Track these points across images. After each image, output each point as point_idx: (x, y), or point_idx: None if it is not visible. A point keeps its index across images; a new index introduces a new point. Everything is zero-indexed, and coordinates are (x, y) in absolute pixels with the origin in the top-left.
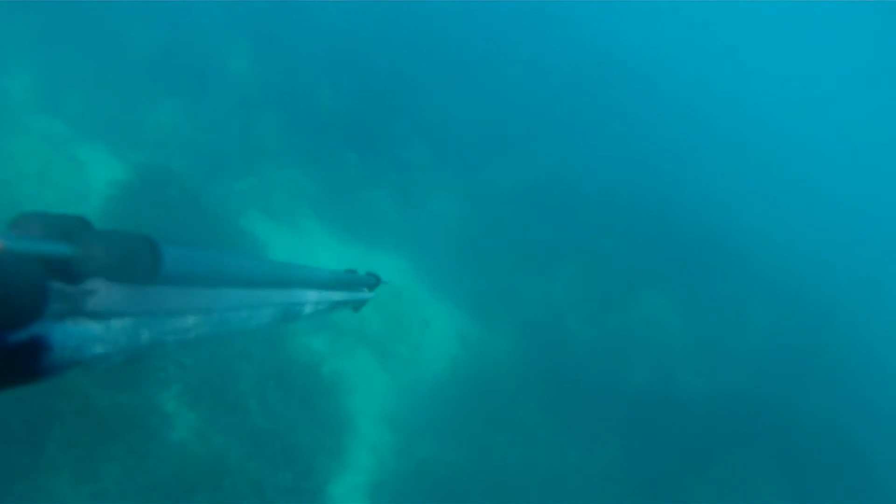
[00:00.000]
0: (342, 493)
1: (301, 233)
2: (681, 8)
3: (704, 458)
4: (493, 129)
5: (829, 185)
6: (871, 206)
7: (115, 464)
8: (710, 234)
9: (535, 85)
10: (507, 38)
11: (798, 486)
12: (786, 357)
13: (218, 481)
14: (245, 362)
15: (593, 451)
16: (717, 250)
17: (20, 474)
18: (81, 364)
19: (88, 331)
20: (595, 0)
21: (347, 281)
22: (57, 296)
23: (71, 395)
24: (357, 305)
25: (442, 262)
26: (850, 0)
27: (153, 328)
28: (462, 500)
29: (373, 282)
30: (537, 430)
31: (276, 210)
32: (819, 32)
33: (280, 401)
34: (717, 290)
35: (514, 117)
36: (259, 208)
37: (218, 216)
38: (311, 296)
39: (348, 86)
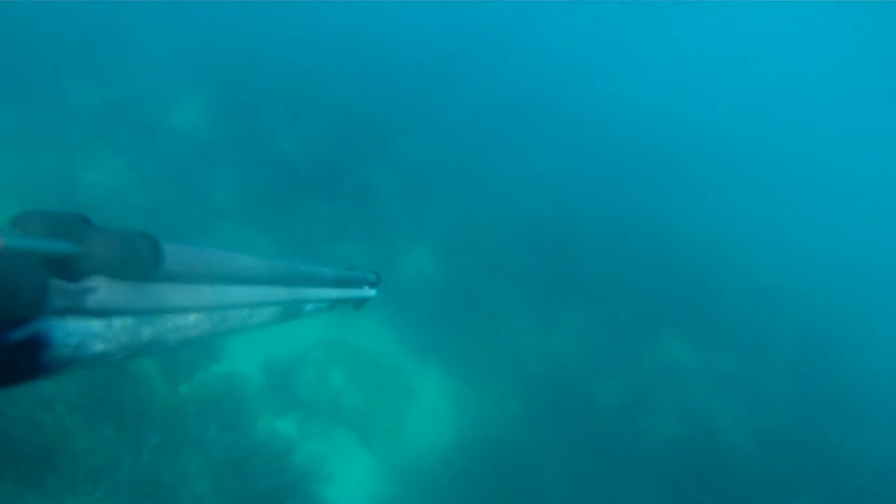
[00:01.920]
0: None
1: None
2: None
3: None
4: (475, 165)
5: (841, 208)
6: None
7: None
8: (721, 272)
9: (521, 119)
10: (479, 76)
11: None
12: (822, 391)
13: None
14: (196, 453)
15: None
16: (730, 287)
17: None
18: (82, 362)
19: (89, 328)
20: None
21: (349, 279)
22: (57, 293)
23: None
24: (358, 303)
25: (424, 321)
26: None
27: (154, 326)
28: None
29: (374, 279)
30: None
31: None
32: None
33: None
34: (736, 329)
35: (499, 153)
36: None
37: None
38: (313, 293)
39: (311, 134)
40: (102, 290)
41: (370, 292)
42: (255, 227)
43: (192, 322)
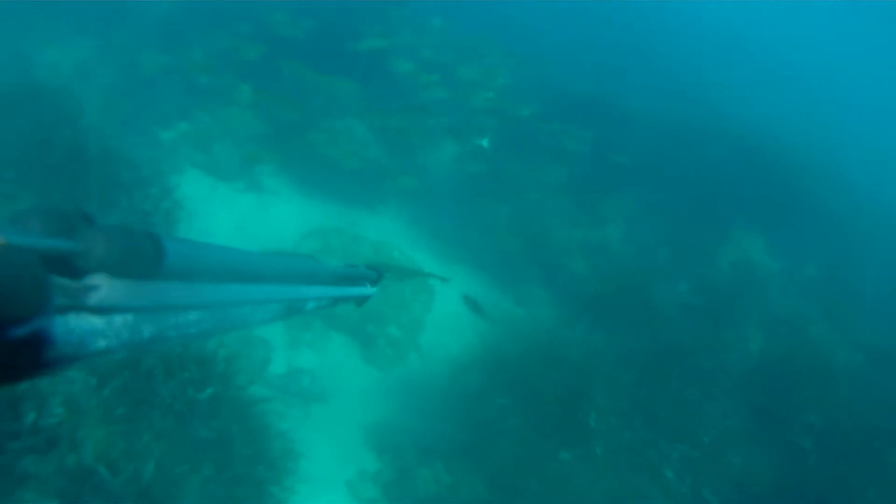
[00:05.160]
0: None
1: (262, 191)
2: None
3: None
4: (512, 29)
5: None
6: None
7: None
8: (804, 162)
9: None
10: None
11: None
12: None
13: None
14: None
15: (713, 461)
16: (814, 181)
17: None
18: (83, 359)
19: (90, 326)
20: None
21: (350, 276)
22: (59, 291)
23: None
24: (360, 301)
25: (448, 216)
26: None
27: (155, 323)
28: None
29: (375, 276)
30: (614, 440)
31: (223, 164)
32: None
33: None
34: (822, 229)
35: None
36: (198, 164)
37: (140, 180)
38: (314, 291)
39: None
40: (104, 287)
41: (371, 290)
42: (242, 104)
43: (193, 319)
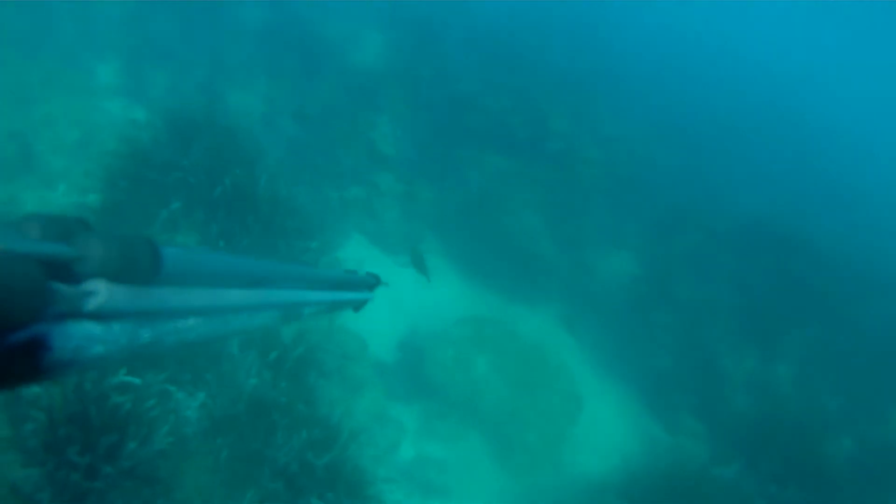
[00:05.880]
0: None
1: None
2: None
3: None
4: (688, 148)
5: None
6: None
7: None
8: None
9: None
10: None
11: None
12: None
13: None
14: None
15: None
16: None
17: None
18: (81, 364)
19: (88, 331)
20: None
21: (348, 281)
22: (57, 296)
23: None
24: (357, 306)
25: (613, 324)
26: None
27: (153, 328)
28: None
29: (373, 282)
30: None
31: (389, 236)
32: None
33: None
34: None
35: (719, 135)
36: (365, 231)
37: (303, 232)
38: (312, 296)
39: (496, 79)
40: (102, 293)
41: (369, 295)
42: (420, 178)
43: (191, 325)
